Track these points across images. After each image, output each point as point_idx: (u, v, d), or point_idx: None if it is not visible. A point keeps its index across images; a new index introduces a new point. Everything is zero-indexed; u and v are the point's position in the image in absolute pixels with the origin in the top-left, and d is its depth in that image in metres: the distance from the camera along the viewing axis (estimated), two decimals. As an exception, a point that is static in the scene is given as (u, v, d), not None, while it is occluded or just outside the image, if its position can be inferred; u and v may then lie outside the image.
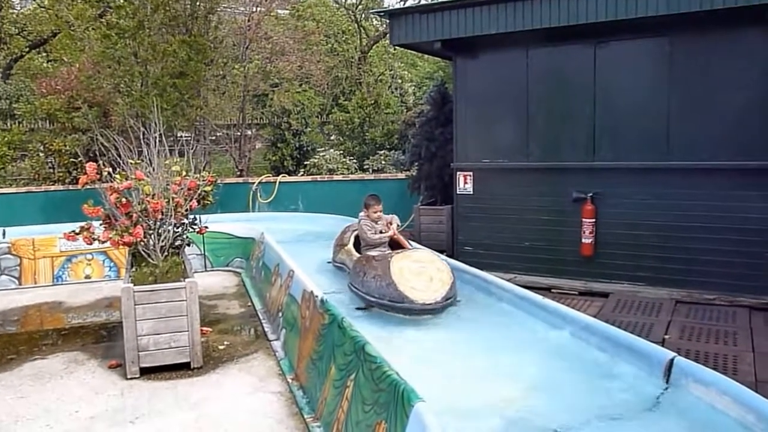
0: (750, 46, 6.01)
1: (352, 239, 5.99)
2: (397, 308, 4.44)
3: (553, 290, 6.80)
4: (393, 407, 2.87)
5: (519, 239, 7.45)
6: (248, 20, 13.54)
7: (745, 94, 6.05)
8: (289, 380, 4.52)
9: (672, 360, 3.24)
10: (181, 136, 11.51)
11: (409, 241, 5.91)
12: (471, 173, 7.82)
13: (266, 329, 5.74)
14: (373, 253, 5.38)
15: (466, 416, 3.08)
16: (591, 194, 6.85)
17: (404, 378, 2.95)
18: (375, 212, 5.71)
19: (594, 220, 6.84)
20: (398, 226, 5.79)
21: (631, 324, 5.47)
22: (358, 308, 4.82)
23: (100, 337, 5.68)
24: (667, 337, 5.21)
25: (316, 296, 4.62)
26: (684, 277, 6.40)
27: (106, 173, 5.10)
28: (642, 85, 6.64)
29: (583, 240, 6.89)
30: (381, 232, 5.63)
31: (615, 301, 6.35)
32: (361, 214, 5.77)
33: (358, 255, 5.49)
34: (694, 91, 6.33)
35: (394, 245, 5.64)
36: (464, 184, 7.87)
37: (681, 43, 6.35)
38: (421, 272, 4.55)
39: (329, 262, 6.31)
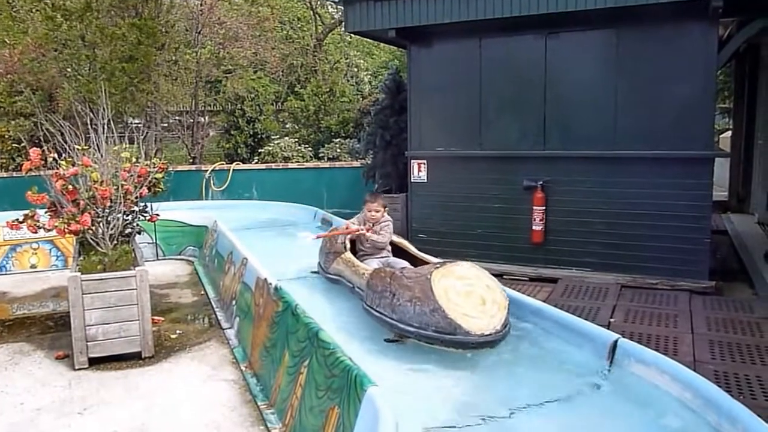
0: (693, 40, 6.20)
1: (348, 244, 4.99)
2: (447, 341, 3.50)
3: (504, 276, 6.94)
4: (346, 392, 2.90)
5: (472, 226, 7.56)
6: (201, 4, 13.26)
7: (687, 86, 6.25)
8: (243, 368, 4.50)
9: (616, 341, 3.36)
10: (132, 123, 11.26)
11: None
12: (425, 161, 7.88)
13: (219, 317, 5.69)
14: (373, 262, 4.65)
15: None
16: (541, 182, 6.99)
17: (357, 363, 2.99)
18: (369, 211, 4.89)
19: (544, 207, 6.98)
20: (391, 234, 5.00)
21: (579, 308, 5.64)
22: (388, 340, 3.91)
23: (46, 328, 5.52)
24: (612, 320, 5.39)
25: (270, 284, 4.60)
26: (629, 262, 6.61)
27: (51, 159, 4.95)
28: (590, 76, 6.79)
29: (534, 227, 7.04)
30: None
31: (564, 286, 6.52)
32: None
33: (365, 266, 4.51)
34: (640, 82, 6.50)
35: (396, 250, 5.01)
36: (418, 172, 7.92)
37: (628, 35, 6.51)
38: (470, 293, 3.68)
39: (315, 272, 5.44)
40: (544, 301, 4.50)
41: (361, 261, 4.69)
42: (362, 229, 4.87)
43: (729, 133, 12.01)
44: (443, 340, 3.51)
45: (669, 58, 6.31)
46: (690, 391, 2.86)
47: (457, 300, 3.59)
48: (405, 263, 4.67)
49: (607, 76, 6.66)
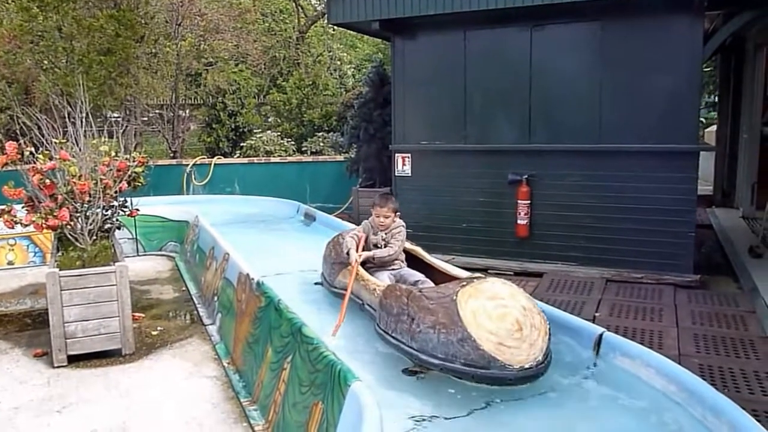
0: (678, 32, 6.19)
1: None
2: (480, 377, 2.97)
3: (489, 271, 6.92)
4: (330, 387, 2.86)
5: (457, 221, 7.53)
6: (181, -5, 13.08)
7: (673, 79, 6.24)
8: (225, 364, 4.44)
9: (601, 335, 3.35)
10: (111, 116, 11.09)
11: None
12: (409, 155, 7.83)
13: (201, 314, 5.62)
14: (383, 275, 4.13)
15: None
16: (526, 176, 6.97)
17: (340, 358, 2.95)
18: (378, 216, 4.31)
19: (529, 201, 6.97)
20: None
21: (564, 302, 5.64)
22: (406, 371, 3.35)
23: (24, 325, 5.42)
24: (597, 314, 5.40)
25: (252, 279, 4.54)
26: (614, 257, 6.62)
27: (28, 153, 4.85)
28: (575, 68, 6.77)
29: (519, 221, 7.02)
30: (376, 246, 4.31)
31: (549, 280, 6.52)
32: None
33: (375, 281, 3.96)
34: (625, 75, 6.49)
35: (410, 258, 4.44)
36: (402, 165, 7.87)
37: (613, 28, 6.48)
38: (504, 316, 3.06)
39: (318, 284, 4.90)
40: (530, 296, 4.47)
41: (371, 273, 4.13)
42: (359, 258, 4.16)
43: (714, 128, 12.09)
44: (475, 376, 2.98)
45: (654, 51, 6.31)
46: (675, 384, 2.87)
47: (489, 326, 3.02)
48: (420, 276, 4.16)
49: (592, 69, 6.64)
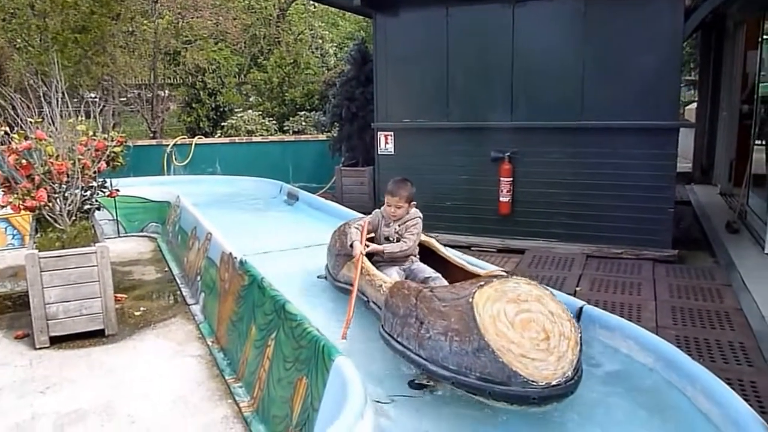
0: (659, 9, 6.19)
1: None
2: (498, 394, 2.51)
3: (472, 248, 6.98)
4: (314, 363, 2.88)
5: (440, 199, 7.54)
6: (157, -28, 12.83)
7: (653, 57, 6.25)
8: (210, 343, 4.44)
9: (581, 308, 3.40)
10: (88, 96, 10.91)
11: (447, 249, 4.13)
12: (392, 133, 7.81)
13: (185, 294, 5.60)
14: (392, 270, 3.70)
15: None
16: (509, 153, 6.99)
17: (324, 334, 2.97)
18: (390, 205, 3.86)
19: (511, 179, 7.00)
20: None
21: (546, 278, 5.71)
22: (412, 384, 2.99)
23: (4, 308, 5.36)
24: (578, 288, 5.47)
25: (235, 258, 4.54)
26: (594, 233, 6.68)
27: (2, 133, 4.78)
28: (558, 45, 6.76)
29: (501, 199, 7.06)
30: (387, 239, 3.88)
31: (531, 257, 6.58)
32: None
33: (382, 276, 3.53)
34: (607, 52, 6.50)
35: (425, 252, 4.01)
36: (385, 144, 7.86)
37: (595, 5, 6.47)
38: (528, 322, 2.65)
39: (321, 277, 4.49)
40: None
41: (378, 268, 3.70)
42: (363, 251, 3.71)
43: (695, 105, 12.20)
44: (492, 392, 2.52)
45: (636, 28, 6.31)
46: (652, 355, 2.94)
47: (510, 334, 2.58)
48: (431, 272, 3.76)
49: (574, 45, 6.63)
